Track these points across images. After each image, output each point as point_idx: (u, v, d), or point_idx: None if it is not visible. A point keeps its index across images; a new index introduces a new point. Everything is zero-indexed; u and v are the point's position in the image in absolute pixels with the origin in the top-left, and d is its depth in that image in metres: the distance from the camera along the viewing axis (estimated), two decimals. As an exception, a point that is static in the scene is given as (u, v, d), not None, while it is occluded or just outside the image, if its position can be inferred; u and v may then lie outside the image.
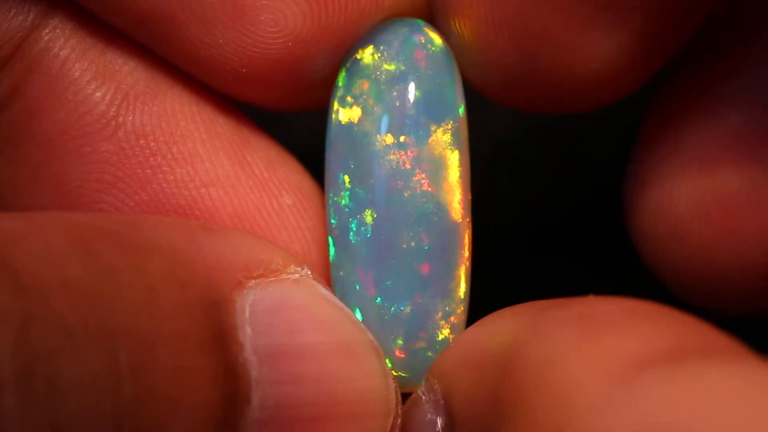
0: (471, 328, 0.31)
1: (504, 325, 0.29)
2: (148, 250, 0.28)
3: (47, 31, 0.34)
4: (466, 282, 0.33)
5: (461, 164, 0.34)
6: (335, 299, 0.32)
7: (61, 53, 0.34)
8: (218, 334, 0.29)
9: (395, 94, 0.33)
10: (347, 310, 0.32)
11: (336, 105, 0.34)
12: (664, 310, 0.27)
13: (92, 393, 0.25)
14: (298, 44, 0.33)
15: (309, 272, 0.32)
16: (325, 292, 0.32)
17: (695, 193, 0.35)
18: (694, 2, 0.32)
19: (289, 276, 0.31)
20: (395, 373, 0.33)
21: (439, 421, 0.30)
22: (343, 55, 0.34)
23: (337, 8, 0.33)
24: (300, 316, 0.31)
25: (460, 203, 0.33)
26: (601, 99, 0.34)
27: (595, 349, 0.25)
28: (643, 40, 0.32)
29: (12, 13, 0.33)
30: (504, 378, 0.27)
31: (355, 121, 0.33)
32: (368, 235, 0.33)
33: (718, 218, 0.35)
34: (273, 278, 0.31)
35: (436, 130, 0.33)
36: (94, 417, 0.25)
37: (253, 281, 0.30)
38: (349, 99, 0.34)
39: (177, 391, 0.27)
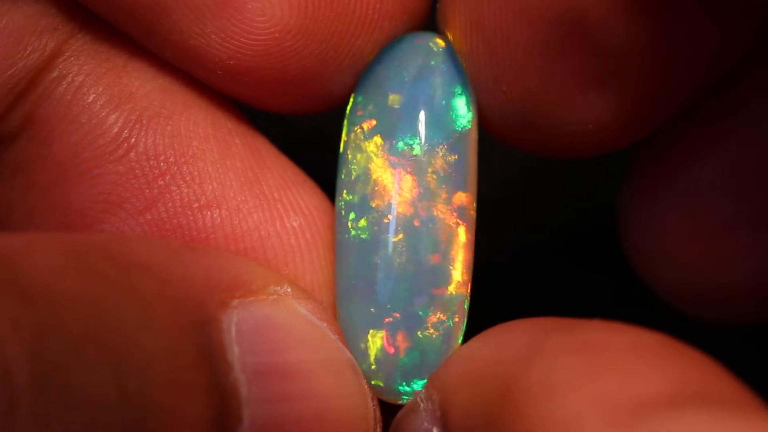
0: (473, 340, 0.31)
1: (507, 342, 0.29)
2: (138, 268, 0.29)
3: (61, 60, 0.34)
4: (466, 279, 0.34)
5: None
6: (313, 318, 0.32)
7: (75, 80, 0.34)
8: (208, 353, 0.29)
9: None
10: (325, 328, 0.32)
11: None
12: (669, 344, 0.27)
13: (102, 407, 0.25)
14: (286, 36, 0.33)
15: (289, 289, 0.32)
16: (304, 310, 0.32)
17: (686, 220, 0.37)
18: (687, 77, 0.33)
19: (269, 296, 0.31)
20: (374, 382, 0.33)
21: None
22: (334, 56, 0.34)
23: (324, 1, 0.33)
24: (281, 336, 0.31)
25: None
26: (594, 151, 0.35)
27: (597, 386, 0.25)
28: (637, 106, 0.33)
29: (28, 51, 0.33)
30: (504, 399, 0.27)
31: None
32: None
33: (707, 243, 0.36)
34: (253, 298, 0.31)
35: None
36: (104, 430, 0.25)
37: (236, 301, 0.30)
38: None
39: (176, 408, 0.27)
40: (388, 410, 0.33)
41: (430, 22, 0.35)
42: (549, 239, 0.45)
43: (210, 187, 0.34)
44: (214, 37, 0.33)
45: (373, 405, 0.32)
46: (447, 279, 0.33)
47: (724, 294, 0.37)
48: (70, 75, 0.34)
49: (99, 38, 0.34)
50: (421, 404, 0.31)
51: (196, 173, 0.34)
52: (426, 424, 0.30)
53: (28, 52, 0.33)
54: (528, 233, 0.45)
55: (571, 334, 0.27)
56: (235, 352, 0.30)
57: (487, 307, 0.33)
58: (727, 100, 0.36)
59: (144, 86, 0.34)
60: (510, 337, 0.29)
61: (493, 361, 0.29)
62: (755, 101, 0.36)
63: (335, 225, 0.34)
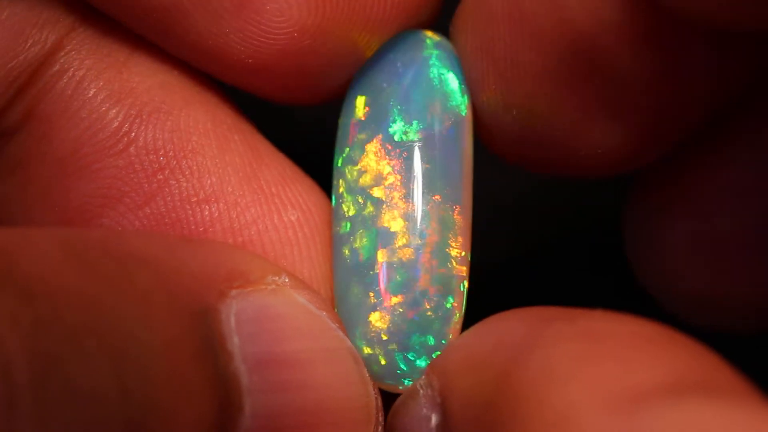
0: (474, 327, 0.31)
1: (508, 330, 0.29)
2: (136, 262, 0.29)
3: (62, 54, 0.34)
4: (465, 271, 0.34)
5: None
6: (312, 307, 0.32)
7: (76, 74, 0.34)
8: (208, 344, 0.29)
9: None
10: (325, 317, 0.32)
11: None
12: (669, 335, 0.27)
13: (103, 403, 0.25)
14: (304, 35, 0.33)
15: (287, 279, 0.32)
16: (303, 300, 0.32)
17: (691, 234, 0.37)
18: (695, 105, 0.33)
19: (267, 286, 0.31)
20: (374, 369, 0.33)
21: (434, 418, 0.30)
22: (351, 50, 0.34)
23: (341, 1, 0.33)
24: (281, 325, 0.31)
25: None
26: (603, 173, 0.35)
27: (596, 375, 0.25)
28: (645, 133, 0.33)
29: (29, 43, 0.34)
30: (503, 386, 0.27)
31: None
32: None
33: (711, 257, 0.37)
34: (252, 288, 0.31)
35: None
36: (105, 425, 0.25)
37: (234, 291, 0.30)
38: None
39: (177, 402, 0.27)
40: (387, 398, 0.33)
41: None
42: (549, 243, 0.45)
43: (209, 182, 0.34)
44: (232, 37, 0.33)
45: (375, 393, 0.32)
46: (445, 262, 0.33)
47: (730, 306, 0.37)
48: (71, 69, 0.34)
49: (100, 33, 0.34)
50: (421, 390, 0.31)
51: (195, 168, 0.34)
52: (425, 410, 0.30)
53: (29, 44, 0.34)
54: (527, 236, 0.46)
55: (571, 323, 0.27)
56: (235, 342, 0.29)
57: (487, 308, 0.33)
58: (734, 121, 0.36)
59: (145, 82, 0.34)
60: (511, 325, 0.29)
61: (493, 348, 0.29)
62: (764, 121, 0.36)
63: (332, 216, 0.34)
